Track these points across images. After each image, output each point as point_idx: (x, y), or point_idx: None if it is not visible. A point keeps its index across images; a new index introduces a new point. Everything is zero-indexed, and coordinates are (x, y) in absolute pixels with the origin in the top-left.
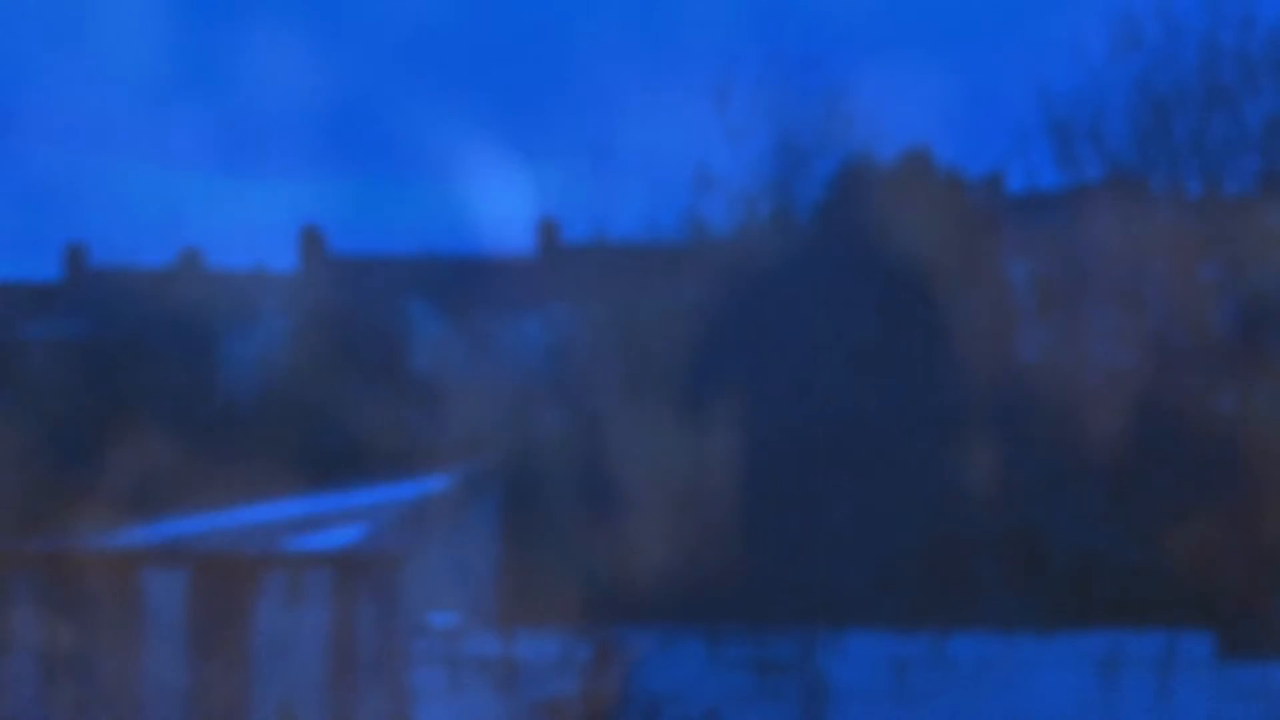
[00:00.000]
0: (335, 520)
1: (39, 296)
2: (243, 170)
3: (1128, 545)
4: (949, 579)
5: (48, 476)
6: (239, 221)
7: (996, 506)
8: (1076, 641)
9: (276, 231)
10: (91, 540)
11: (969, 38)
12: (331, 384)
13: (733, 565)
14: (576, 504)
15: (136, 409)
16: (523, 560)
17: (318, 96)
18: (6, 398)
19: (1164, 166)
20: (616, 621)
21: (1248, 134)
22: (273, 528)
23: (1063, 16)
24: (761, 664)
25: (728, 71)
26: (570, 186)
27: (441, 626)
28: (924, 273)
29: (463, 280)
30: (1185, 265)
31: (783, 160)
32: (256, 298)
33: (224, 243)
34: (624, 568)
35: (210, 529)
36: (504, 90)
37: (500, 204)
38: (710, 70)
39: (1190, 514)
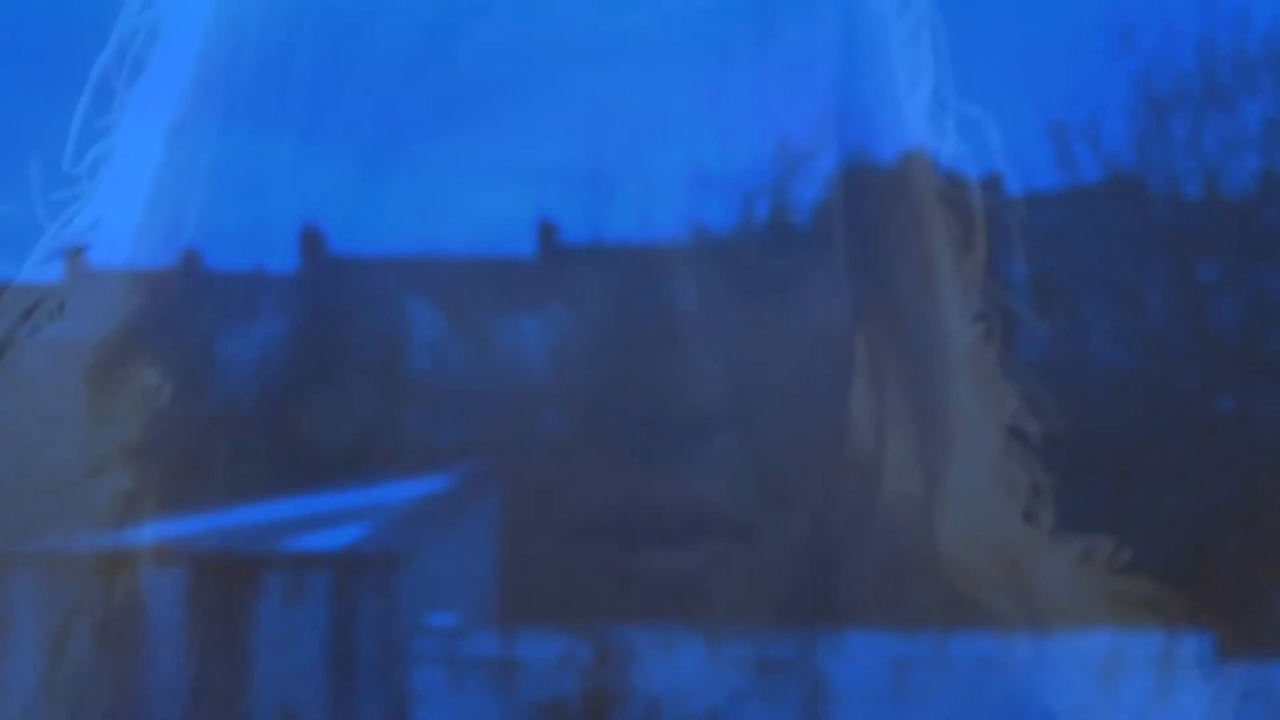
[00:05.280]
0: (335, 520)
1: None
2: None
3: (1128, 545)
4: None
5: (47, 476)
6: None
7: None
8: (1076, 641)
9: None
10: (91, 540)
11: (968, 37)
12: (331, 384)
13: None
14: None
15: (135, 408)
16: (523, 560)
17: None
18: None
19: (1162, 166)
20: (617, 621)
21: (1246, 134)
22: (273, 528)
23: (1061, 17)
24: (761, 664)
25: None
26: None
27: (441, 626)
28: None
29: (463, 280)
30: (1185, 265)
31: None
32: (257, 298)
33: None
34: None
35: (210, 529)
36: None
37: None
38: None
39: (1190, 514)
